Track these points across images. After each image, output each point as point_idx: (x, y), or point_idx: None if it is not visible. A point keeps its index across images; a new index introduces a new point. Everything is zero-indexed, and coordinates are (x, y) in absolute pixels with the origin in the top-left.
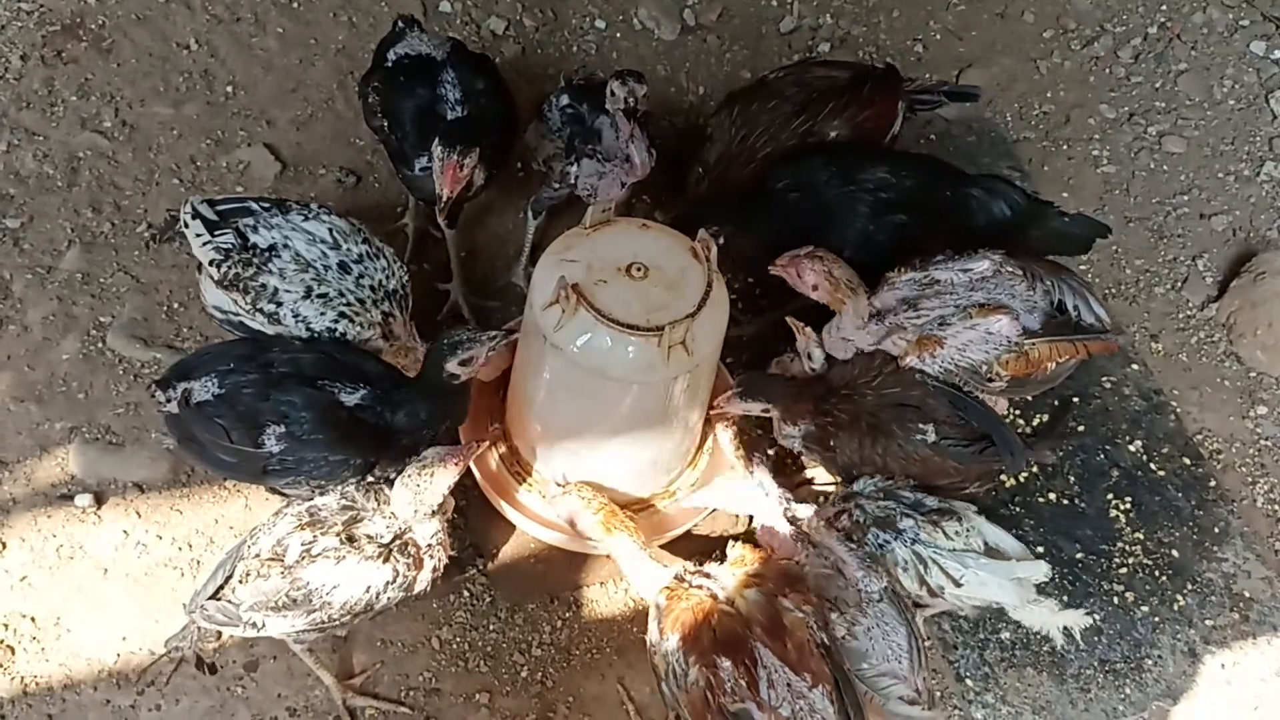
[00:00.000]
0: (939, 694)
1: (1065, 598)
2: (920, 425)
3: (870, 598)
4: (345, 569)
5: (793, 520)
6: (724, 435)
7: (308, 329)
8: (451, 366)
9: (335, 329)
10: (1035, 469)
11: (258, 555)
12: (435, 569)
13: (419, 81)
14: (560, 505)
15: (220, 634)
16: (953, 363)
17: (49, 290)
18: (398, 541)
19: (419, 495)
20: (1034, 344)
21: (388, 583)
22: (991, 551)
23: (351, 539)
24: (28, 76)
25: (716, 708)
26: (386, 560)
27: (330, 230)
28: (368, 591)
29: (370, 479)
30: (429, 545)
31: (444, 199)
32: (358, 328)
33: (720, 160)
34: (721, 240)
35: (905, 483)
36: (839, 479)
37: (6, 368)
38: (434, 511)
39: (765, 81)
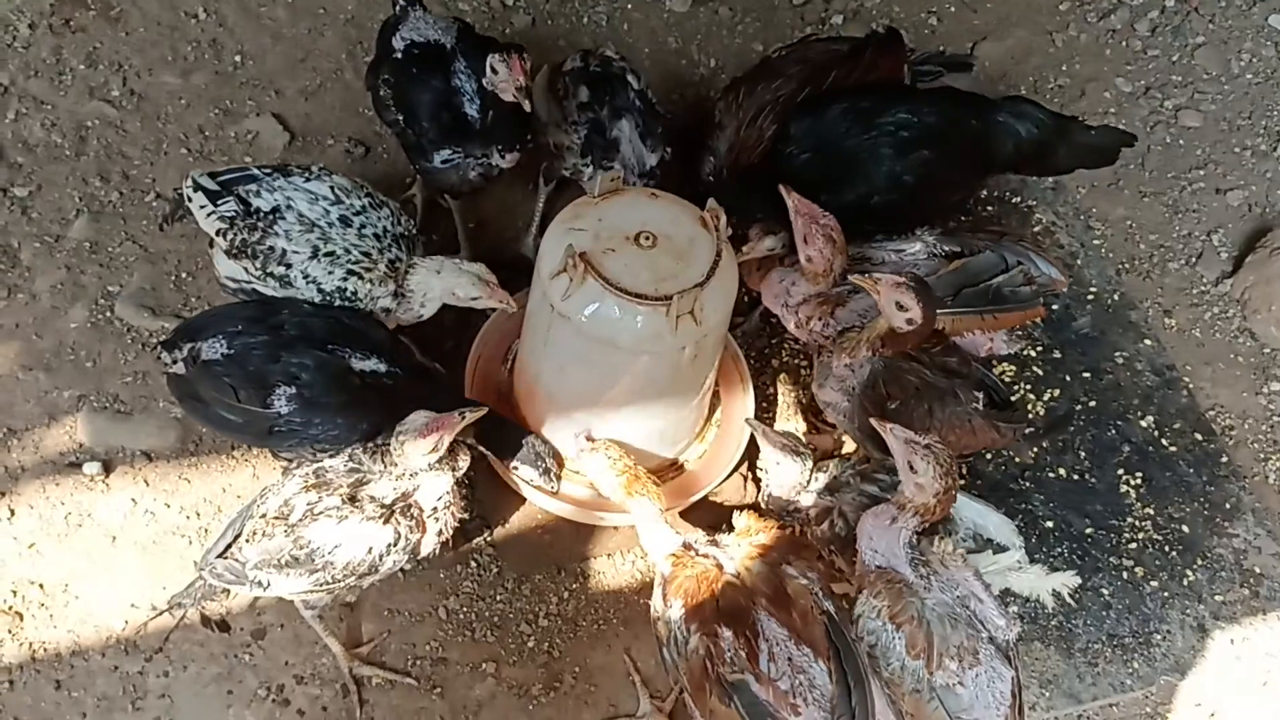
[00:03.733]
0: None
1: (1074, 572)
2: (974, 393)
3: (999, 644)
4: (347, 529)
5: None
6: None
7: (319, 290)
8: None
9: (345, 288)
10: (1045, 444)
11: (264, 515)
12: (441, 532)
13: (432, 72)
14: (586, 462)
15: (229, 593)
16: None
17: (57, 259)
18: (401, 503)
19: (398, 457)
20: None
21: (390, 544)
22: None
23: (354, 499)
24: (36, 45)
25: (715, 677)
26: (388, 521)
27: (332, 188)
28: (370, 552)
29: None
30: (434, 509)
31: (520, 89)
32: (368, 284)
33: (731, 147)
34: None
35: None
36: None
37: (15, 336)
38: (441, 462)
39: (767, 61)
